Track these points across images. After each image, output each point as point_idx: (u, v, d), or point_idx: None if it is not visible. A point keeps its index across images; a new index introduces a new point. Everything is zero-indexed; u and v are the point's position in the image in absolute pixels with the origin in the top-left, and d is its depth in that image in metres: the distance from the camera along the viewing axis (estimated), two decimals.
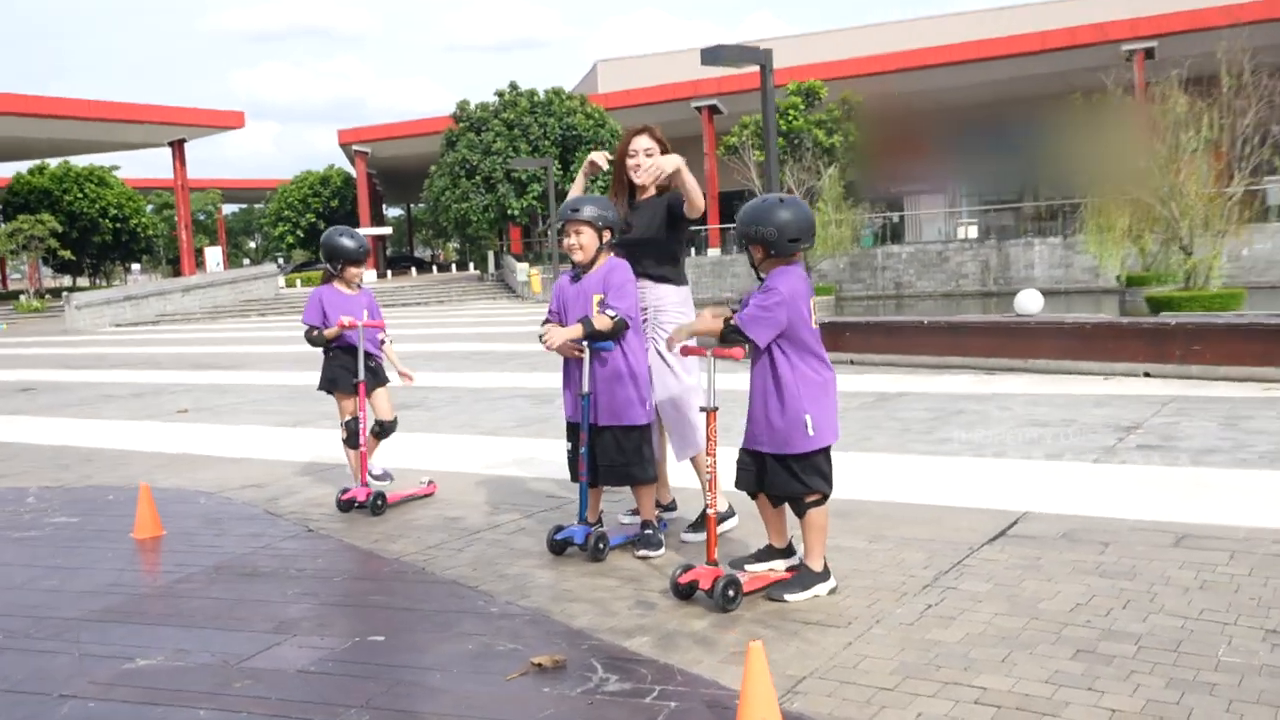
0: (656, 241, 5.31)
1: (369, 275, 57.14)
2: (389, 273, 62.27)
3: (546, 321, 5.13)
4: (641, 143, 5.30)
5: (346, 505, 6.18)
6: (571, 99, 46.21)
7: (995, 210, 47.29)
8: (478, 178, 44.82)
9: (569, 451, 5.22)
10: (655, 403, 5.25)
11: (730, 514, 5.34)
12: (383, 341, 6.50)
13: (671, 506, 5.64)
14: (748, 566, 4.43)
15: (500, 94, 46.41)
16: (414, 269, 64.44)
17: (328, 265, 6.53)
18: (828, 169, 36.29)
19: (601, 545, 4.95)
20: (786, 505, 4.37)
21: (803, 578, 4.28)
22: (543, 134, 44.38)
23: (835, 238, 33.53)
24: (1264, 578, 4.21)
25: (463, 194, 45.03)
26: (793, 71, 40.95)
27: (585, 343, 4.96)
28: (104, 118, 49.61)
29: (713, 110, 49.08)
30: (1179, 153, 19.74)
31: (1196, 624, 3.78)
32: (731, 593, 4.16)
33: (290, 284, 52.91)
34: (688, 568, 4.37)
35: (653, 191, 5.38)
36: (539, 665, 3.68)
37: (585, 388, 4.97)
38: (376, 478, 6.48)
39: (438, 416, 10.23)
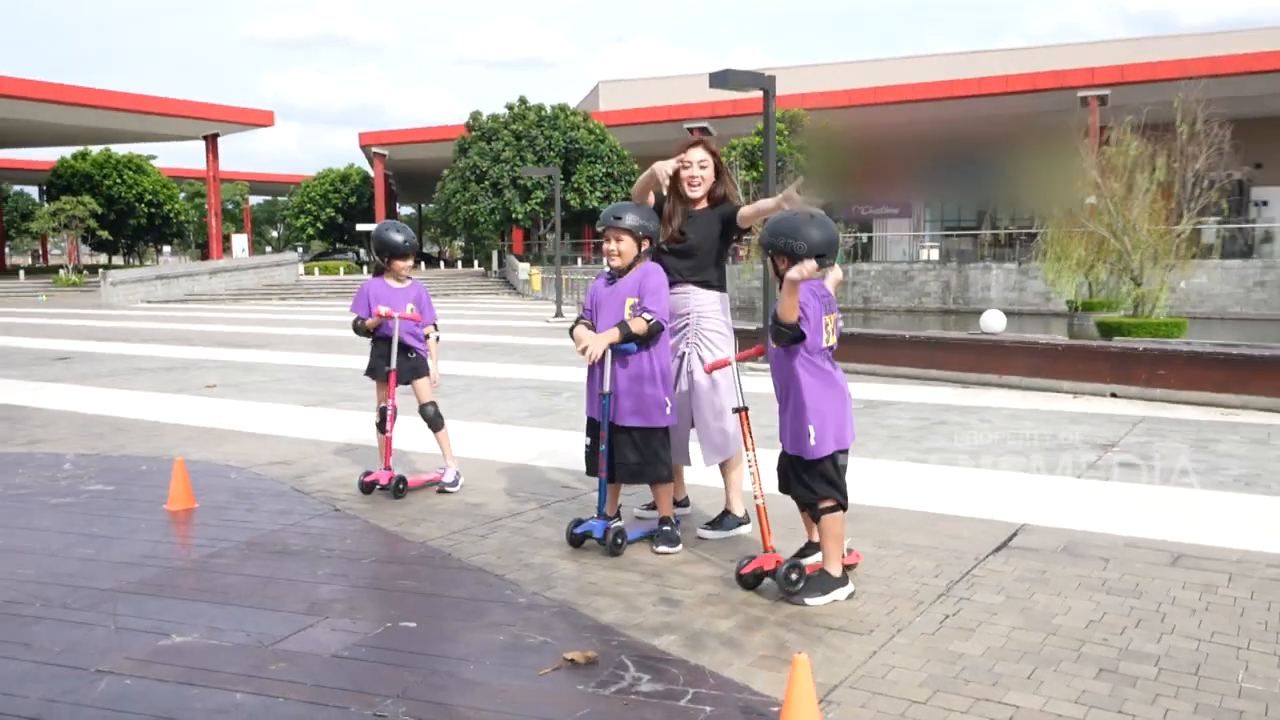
0: (708, 251, 5.03)
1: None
2: None
3: (580, 320, 4.85)
4: (696, 155, 5.04)
5: (369, 487, 5.87)
6: (575, 114, 45.78)
7: (956, 235, 47.18)
8: (486, 183, 44.33)
9: (587, 446, 4.94)
10: (692, 406, 4.99)
11: (746, 520, 5.08)
12: (427, 336, 6.13)
13: (684, 503, 5.37)
14: (802, 561, 4.20)
15: (510, 107, 45.95)
16: (423, 264, 63.91)
17: (377, 258, 6.20)
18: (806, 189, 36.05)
19: (620, 540, 4.67)
20: None
21: (822, 582, 4.02)
22: (548, 145, 43.94)
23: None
24: (1266, 602, 3.97)
25: (472, 197, 44.53)
26: (778, 100, 40.60)
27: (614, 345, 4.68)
28: (146, 110, 48.82)
29: (703, 132, 48.72)
30: (1134, 192, 19.57)
31: (1210, 647, 3.53)
32: (795, 575, 3.99)
33: (309, 271, 52.34)
34: (750, 558, 4.19)
35: (705, 203, 5.09)
36: (571, 661, 3.40)
37: (606, 387, 4.69)
38: (448, 484, 6.02)
39: (453, 403, 9.91)
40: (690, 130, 48.49)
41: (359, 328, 6.07)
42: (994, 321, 18.62)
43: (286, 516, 5.44)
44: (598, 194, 44.17)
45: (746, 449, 4.35)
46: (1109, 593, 4.10)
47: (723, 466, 5.07)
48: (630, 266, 4.78)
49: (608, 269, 4.92)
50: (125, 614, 3.92)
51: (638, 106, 50.96)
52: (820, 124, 40.83)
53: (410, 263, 6.10)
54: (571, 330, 4.84)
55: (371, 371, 6.12)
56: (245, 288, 43.14)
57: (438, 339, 6.21)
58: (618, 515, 4.99)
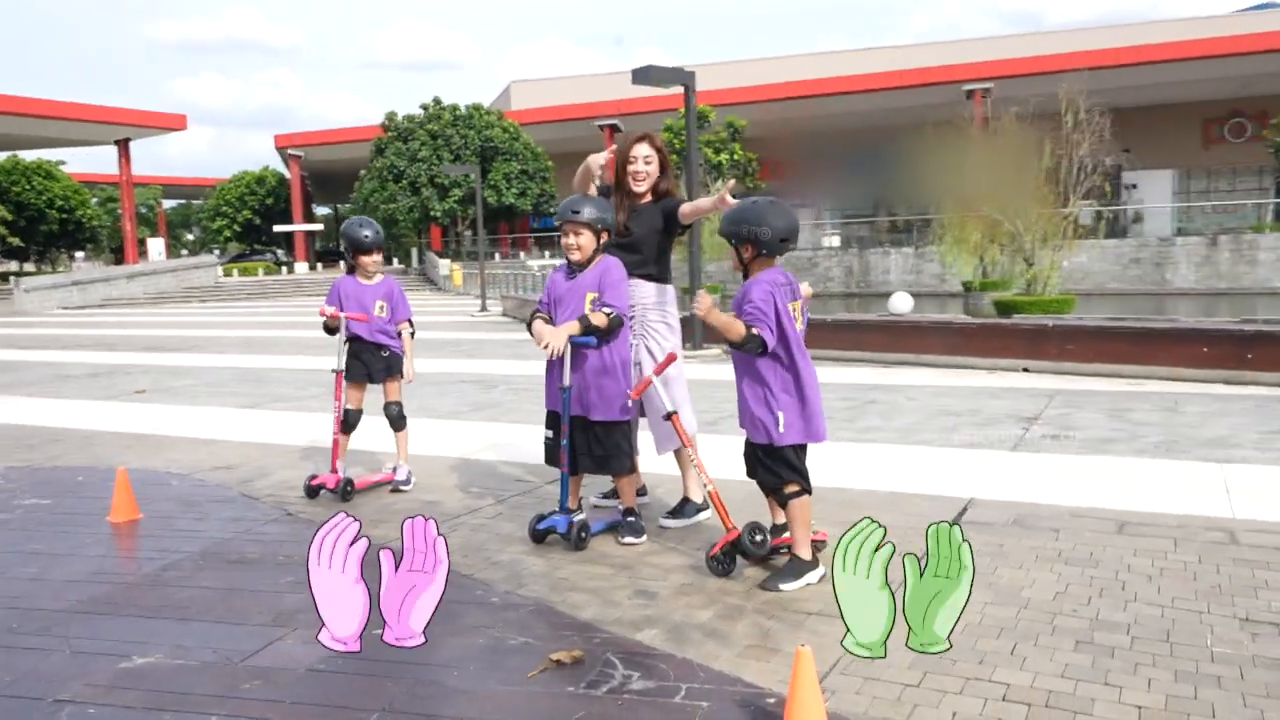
0: (652, 245, 4.87)
1: (300, 267, 55.16)
2: (319, 265, 60.14)
3: (536, 314, 4.63)
4: (641, 150, 4.85)
5: (314, 491, 5.55)
6: (490, 114, 45.14)
7: (855, 223, 47.89)
8: (404, 182, 43.46)
9: (547, 439, 4.72)
10: (642, 398, 4.81)
11: (705, 506, 4.93)
12: (399, 334, 5.78)
13: (643, 492, 5.20)
14: (762, 524, 4.11)
15: (425, 107, 45.06)
16: (342, 263, 62.53)
17: (346, 256, 5.83)
18: (714, 183, 36.15)
19: (584, 534, 4.48)
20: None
21: (794, 567, 3.89)
22: (464, 144, 43.25)
23: (722, 243, 33.31)
24: (1214, 565, 3.97)
25: (390, 196, 43.62)
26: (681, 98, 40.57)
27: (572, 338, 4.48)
28: (56, 115, 46.46)
29: (613, 129, 48.49)
30: (1024, 177, 19.98)
31: (1174, 613, 3.50)
32: (759, 537, 3.99)
33: (228, 273, 50.62)
34: (714, 544, 4.11)
35: (649, 197, 4.91)
36: (558, 662, 3.21)
37: (566, 381, 4.48)
38: (400, 482, 5.74)
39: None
40: (601, 128, 48.24)
41: (326, 327, 5.73)
42: (901, 303, 18.92)
43: (238, 524, 5.11)
44: (514, 190, 43.68)
45: (686, 445, 4.27)
46: (1067, 563, 4.06)
47: (677, 455, 4.91)
48: (589, 260, 4.58)
49: (566, 262, 4.70)
50: (80, 636, 3.59)
51: (549, 105, 50.47)
52: (727, 119, 40.91)
53: (377, 258, 5.73)
54: (529, 324, 4.62)
55: (345, 371, 5.78)
56: (164, 291, 41.52)
57: (412, 334, 5.86)
58: (579, 508, 4.80)
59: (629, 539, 4.52)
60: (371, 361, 5.69)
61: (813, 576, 3.89)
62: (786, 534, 4.06)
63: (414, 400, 9.38)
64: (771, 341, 3.77)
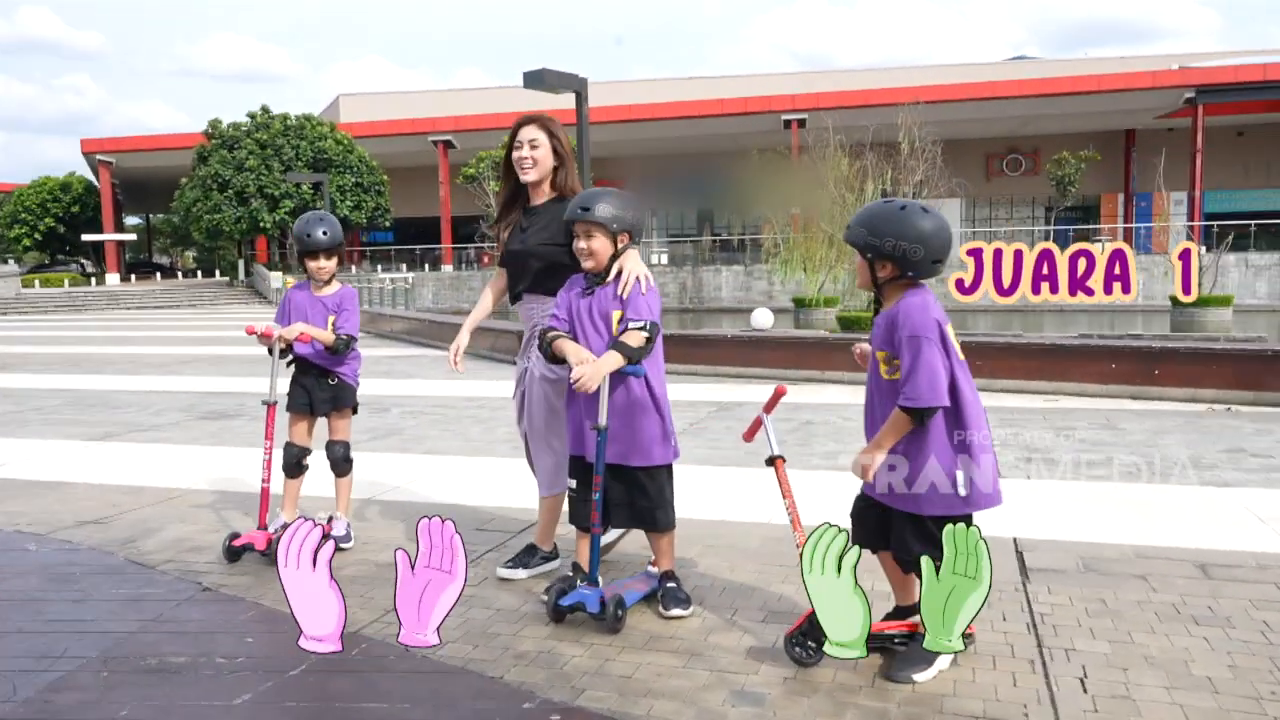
0: (556, 252, 3.78)
1: (112, 278, 50.12)
2: (132, 276, 54.91)
3: (554, 334, 3.53)
4: (528, 133, 3.81)
5: (236, 553, 4.22)
6: (322, 124, 42.32)
7: (683, 242, 47.98)
8: (230, 191, 40.05)
9: (573, 492, 3.64)
10: (526, 429, 3.98)
11: (554, 555, 4.09)
12: (334, 350, 4.36)
13: (554, 554, 4.11)
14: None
15: (252, 115, 41.75)
16: (159, 274, 57.41)
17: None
18: None
19: (621, 613, 3.39)
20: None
21: (923, 651, 2.98)
22: (295, 155, 40.31)
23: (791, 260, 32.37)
24: None
25: (215, 206, 40.07)
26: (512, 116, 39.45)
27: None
28: None
29: (447, 145, 46.66)
30: (866, 199, 20.16)
31: None
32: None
33: (28, 284, 45.17)
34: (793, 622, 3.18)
35: (550, 193, 3.90)
36: None
37: (603, 420, 3.42)
38: (338, 538, 4.43)
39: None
40: (434, 143, 46.28)
41: (270, 348, 4.38)
42: (762, 319, 18.48)
43: (139, 607, 3.73)
44: (349, 203, 41.13)
45: (784, 496, 3.27)
46: (1197, 623, 3.35)
47: (550, 498, 4.04)
48: (607, 269, 3.54)
49: (582, 274, 3.64)
50: None
51: (378, 119, 48.00)
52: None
53: (325, 263, 4.40)
54: (547, 345, 3.52)
55: (289, 401, 4.45)
56: None
57: (346, 344, 4.37)
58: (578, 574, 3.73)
59: (675, 611, 3.49)
60: (315, 389, 4.42)
61: (944, 662, 3.00)
62: (909, 619, 3.13)
63: None
64: (946, 403, 2.85)
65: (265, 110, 42.09)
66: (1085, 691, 2.83)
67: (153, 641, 3.37)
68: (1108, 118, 43.72)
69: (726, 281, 36.69)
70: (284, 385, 4.46)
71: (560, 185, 3.92)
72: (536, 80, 10.34)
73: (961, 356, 2.92)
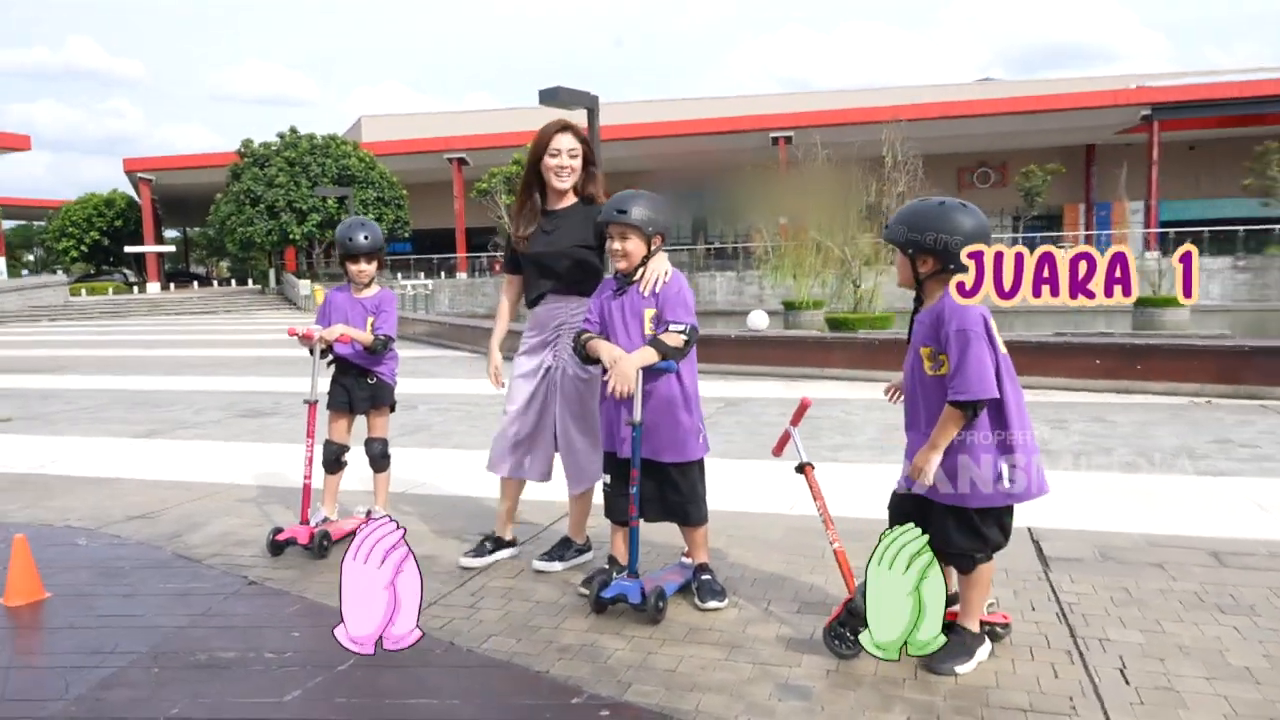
0: (581, 254, 3.62)
1: (153, 287, 49.84)
2: (171, 285, 54.61)
3: (586, 335, 3.33)
4: (565, 142, 3.61)
5: (279, 547, 4.02)
6: (345, 143, 41.97)
7: (679, 250, 47.75)
8: (261, 206, 39.72)
9: (607, 488, 3.44)
10: (558, 428, 3.70)
11: (588, 547, 3.87)
12: (373, 350, 4.16)
13: (587, 546, 3.89)
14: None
15: (281, 135, 41.40)
16: (195, 283, 57.15)
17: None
18: None
19: (662, 604, 3.19)
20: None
21: (965, 643, 2.78)
22: (321, 172, 39.98)
23: (793, 261, 32.19)
24: None
25: (248, 219, 39.73)
26: (533, 135, 39.27)
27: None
28: None
29: (461, 162, 46.39)
30: (851, 210, 19.96)
31: None
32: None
33: (75, 293, 44.87)
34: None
35: (572, 198, 3.69)
36: None
37: (637, 416, 3.21)
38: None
39: (303, 424, 7.83)
40: (450, 160, 46.02)
41: (311, 348, 4.17)
42: (758, 320, 18.30)
43: (187, 601, 3.51)
44: (371, 215, 40.81)
45: (815, 499, 3.06)
46: (1222, 610, 3.15)
47: (583, 494, 3.82)
48: (638, 270, 3.34)
49: (613, 274, 3.44)
50: None
51: (397, 139, 47.74)
52: None
53: (365, 266, 4.18)
54: (581, 345, 3.32)
55: (329, 400, 4.25)
56: (7, 310, 36.11)
57: (385, 344, 4.17)
58: (623, 563, 3.53)
59: (712, 604, 3.29)
60: (354, 388, 4.21)
61: (983, 653, 2.80)
62: (949, 608, 2.93)
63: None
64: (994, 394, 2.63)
65: (293, 130, 41.79)
66: (1128, 683, 2.63)
67: (201, 637, 3.16)
68: (1070, 134, 43.52)
69: (720, 286, 36.48)
70: (324, 384, 4.25)
71: (580, 189, 3.72)
72: (551, 97, 10.13)
73: (1004, 351, 2.70)
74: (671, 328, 3.22)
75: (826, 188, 20.64)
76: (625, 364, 3.13)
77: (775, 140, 42.18)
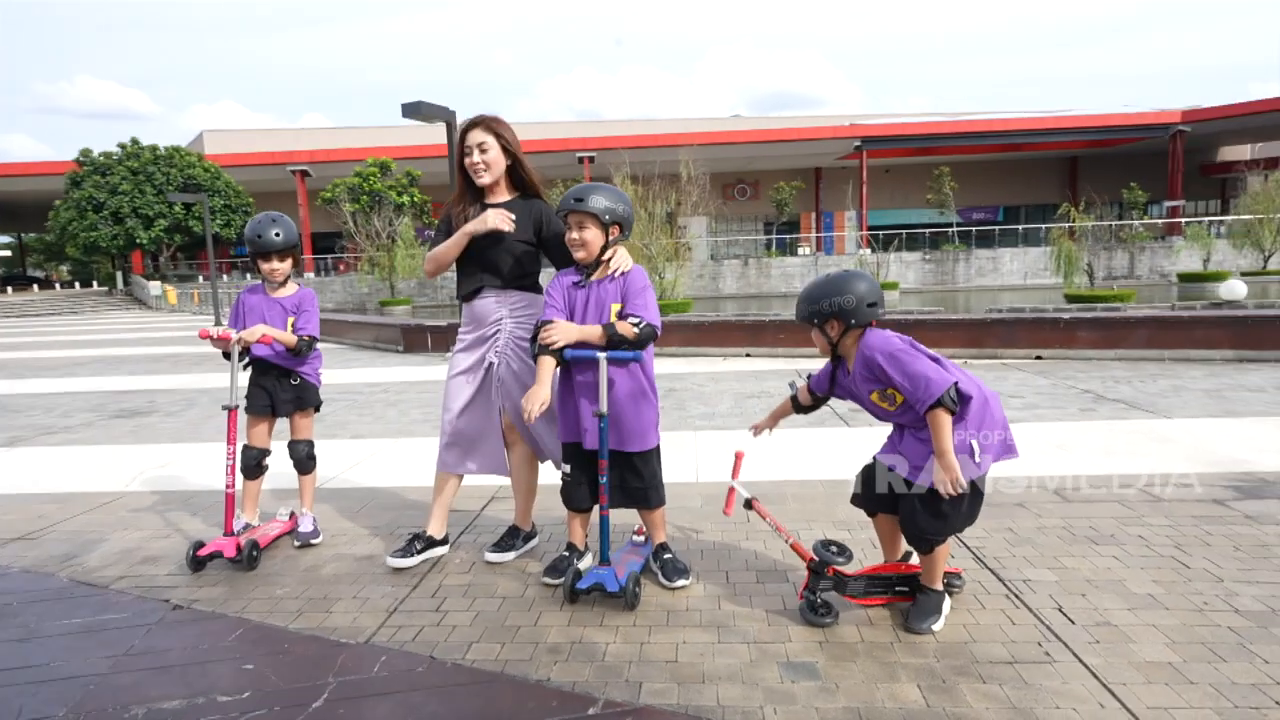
0: (521, 249, 2.99)
1: None
2: (9, 288, 46.03)
3: (549, 323, 2.69)
4: (475, 137, 2.93)
5: (201, 562, 3.08)
6: (190, 154, 36.84)
7: None
8: (105, 212, 34.06)
9: (567, 477, 2.84)
10: (513, 421, 3.05)
11: (535, 533, 3.27)
12: (298, 350, 3.26)
13: (534, 534, 3.28)
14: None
15: (123, 145, 35.68)
16: (35, 286, 48.53)
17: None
18: (399, 218, 32.78)
19: (637, 590, 2.66)
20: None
21: (932, 602, 2.46)
22: (166, 180, 34.87)
23: (413, 265, 30.36)
24: (1204, 529, 3.18)
25: (91, 225, 33.95)
26: (371, 150, 36.44)
27: (602, 355, 2.65)
28: None
29: (304, 174, 42.22)
30: (654, 217, 19.90)
31: None
32: (834, 548, 2.52)
33: None
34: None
35: (507, 194, 3.03)
36: None
37: (603, 407, 2.65)
38: (307, 534, 3.35)
39: (187, 423, 6.50)
40: (293, 173, 41.77)
41: (225, 352, 3.18)
42: None
43: (103, 639, 2.56)
44: (219, 222, 36.26)
45: (769, 521, 2.67)
46: (1095, 543, 3.04)
47: (524, 479, 3.21)
48: (598, 261, 2.76)
49: (574, 267, 2.83)
50: None
51: (242, 151, 42.66)
52: (405, 170, 37.18)
53: (279, 264, 3.27)
54: (535, 334, 2.69)
55: (248, 403, 3.27)
56: None
57: (309, 345, 3.30)
58: (584, 548, 2.97)
59: (680, 581, 2.78)
60: (277, 391, 3.30)
61: (947, 607, 2.49)
62: (908, 562, 2.61)
63: (215, 421, 6.42)
64: (958, 382, 2.30)
65: (135, 141, 36.18)
66: (1073, 622, 2.41)
67: (131, 684, 2.26)
68: (804, 159, 46.22)
69: (544, 280, 35.63)
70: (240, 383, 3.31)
71: (517, 184, 3.06)
72: (414, 111, 9.04)
73: (932, 351, 2.41)
74: (631, 318, 2.66)
75: (632, 198, 20.52)
76: (561, 331, 2.62)
77: (581, 160, 41.67)
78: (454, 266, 3.12)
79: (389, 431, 5.80)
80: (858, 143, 41.68)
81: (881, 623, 2.45)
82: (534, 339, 2.70)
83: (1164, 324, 7.52)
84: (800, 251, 41.32)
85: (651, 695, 2.09)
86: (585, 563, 2.91)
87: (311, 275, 40.84)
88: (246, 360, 3.28)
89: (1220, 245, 27.66)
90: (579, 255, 2.74)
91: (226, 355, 3.23)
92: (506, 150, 2.98)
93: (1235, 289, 13.36)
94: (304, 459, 3.42)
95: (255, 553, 3.11)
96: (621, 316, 2.68)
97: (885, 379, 2.35)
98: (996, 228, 40.02)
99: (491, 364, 3.04)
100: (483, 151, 2.93)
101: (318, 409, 3.47)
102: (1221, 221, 33.60)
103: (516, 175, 3.03)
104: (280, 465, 4.02)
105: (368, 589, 2.86)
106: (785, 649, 2.32)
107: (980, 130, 40.61)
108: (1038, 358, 7.91)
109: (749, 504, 2.74)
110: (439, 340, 10.83)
